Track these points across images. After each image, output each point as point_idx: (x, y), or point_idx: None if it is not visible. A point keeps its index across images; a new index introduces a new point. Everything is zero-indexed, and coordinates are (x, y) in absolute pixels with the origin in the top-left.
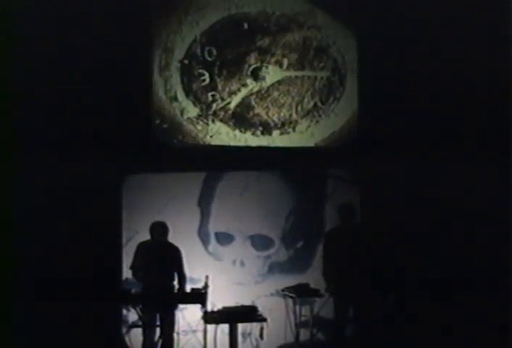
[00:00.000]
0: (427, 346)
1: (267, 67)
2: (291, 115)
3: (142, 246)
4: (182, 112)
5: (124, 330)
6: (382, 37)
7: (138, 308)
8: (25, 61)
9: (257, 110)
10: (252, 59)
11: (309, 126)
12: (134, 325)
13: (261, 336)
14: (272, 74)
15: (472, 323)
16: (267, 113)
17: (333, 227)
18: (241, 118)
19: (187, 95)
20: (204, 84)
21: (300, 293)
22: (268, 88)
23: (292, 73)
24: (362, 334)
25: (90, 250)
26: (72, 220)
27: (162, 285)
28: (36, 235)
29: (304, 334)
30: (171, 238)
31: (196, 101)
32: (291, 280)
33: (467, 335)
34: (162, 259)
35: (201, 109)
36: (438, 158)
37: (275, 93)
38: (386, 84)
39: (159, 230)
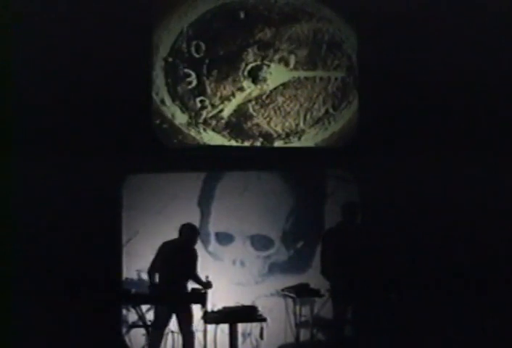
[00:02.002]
0: (427, 346)
1: (269, 66)
2: (297, 125)
3: (165, 246)
4: (173, 116)
5: (124, 330)
6: (382, 36)
7: (137, 308)
8: (25, 61)
9: (257, 119)
10: (250, 56)
11: (316, 134)
12: (134, 325)
13: (261, 336)
14: (275, 74)
15: (472, 323)
16: (268, 123)
17: (332, 226)
18: (237, 128)
19: (173, 99)
20: (190, 87)
21: (300, 293)
22: (271, 92)
23: (301, 73)
24: (362, 334)
25: (90, 250)
26: (72, 220)
27: (177, 285)
28: (36, 236)
29: (304, 334)
30: (171, 238)
31: (184, 106)
32: (291, 280)
33: (467, 335)
34: (179, 260)
35: (190, 117)
36: (438, 158)
37: (280, 99)
38: (387, 84)
39: (188, 233)
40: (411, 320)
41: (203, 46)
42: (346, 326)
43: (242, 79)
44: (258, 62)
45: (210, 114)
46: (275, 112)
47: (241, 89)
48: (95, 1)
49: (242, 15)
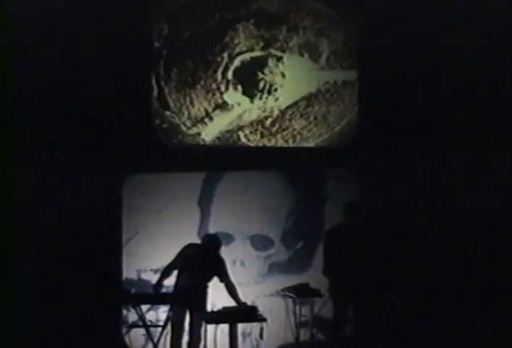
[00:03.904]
0: (427, 346)
1: (280, 59)
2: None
3: (189, 247)
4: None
5: (124, 330)
6: (382, 35)
7: (137, 308)
8: (25, 61)
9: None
10: (242, 44)
11: (323, 140)
12: (134, 325)
13: (261, 336)
14: (291, 76)
15: (473, 324)
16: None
17: (333, 225)
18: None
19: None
20: (154, 96)
21: (300, 293)
22: (282, 113)
23: (333, 75)
24: (362, 334)
25: (90, 250)
26: (72, 220)
27: (194, 287)
28: (36, 235)
29: (304, 334)
30: (171, 238)
31: (161, 119)
32: (291, 280)
33: (468, 335)
34: (200, 263)
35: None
36: (438, 158)
37: (298, 124)
38: (387, 84)
39: (209, 242)
40: (411, 320)
41: (165, 29)
42: (346, 326)
43: (224, 87)
44: (258, 53)
45: (186, 136)
46: (287, 141)
47: (223, 107)
48: (95, 1)
49: None
